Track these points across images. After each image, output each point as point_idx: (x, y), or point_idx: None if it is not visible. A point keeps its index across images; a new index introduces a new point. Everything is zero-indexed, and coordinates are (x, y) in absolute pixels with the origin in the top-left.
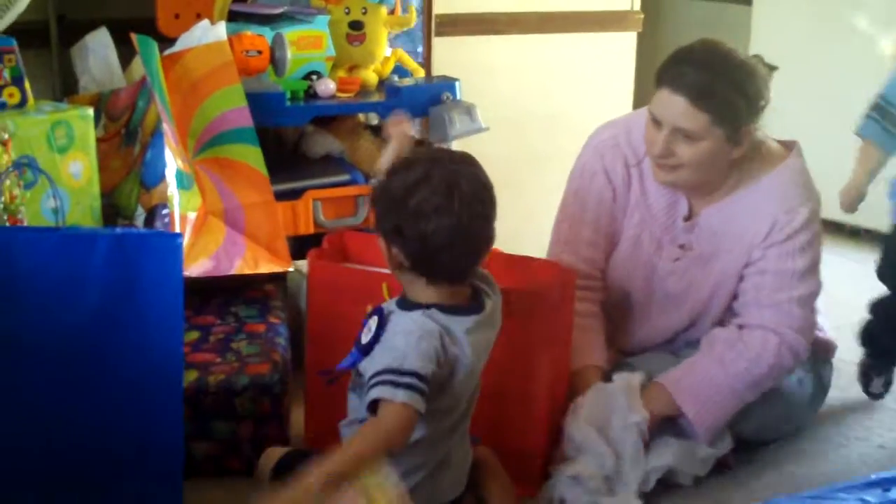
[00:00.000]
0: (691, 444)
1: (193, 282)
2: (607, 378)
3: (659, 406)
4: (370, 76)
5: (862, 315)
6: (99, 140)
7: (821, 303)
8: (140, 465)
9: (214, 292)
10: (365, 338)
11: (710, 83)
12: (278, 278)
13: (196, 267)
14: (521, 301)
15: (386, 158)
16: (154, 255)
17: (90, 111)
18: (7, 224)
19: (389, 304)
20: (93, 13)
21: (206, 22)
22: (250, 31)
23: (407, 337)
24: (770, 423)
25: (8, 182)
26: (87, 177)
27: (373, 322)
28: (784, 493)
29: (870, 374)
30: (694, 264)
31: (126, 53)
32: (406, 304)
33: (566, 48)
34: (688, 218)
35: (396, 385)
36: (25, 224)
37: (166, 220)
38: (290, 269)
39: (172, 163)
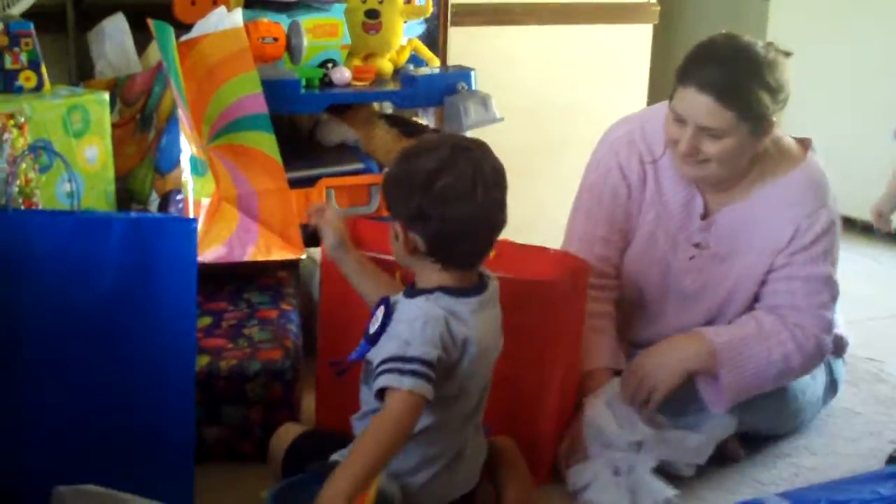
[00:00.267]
0: (679, 435)
1: (206, 268)
2: None
3: (697, 364)
4: (386, 65)
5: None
6: (114, 125)
7: None
8: (152, 446)
9: (227, 279)
10: (372, 328)
11: (735, 80)
12: (291, 265)
13: (209, 253)
14: (534, 291)
15: (328, 243)
16: (169, 240)
17: (106, 96)
18: (22, 207)
19: (396, 295)
20: None
21: (222, 8)
22: (266, 19)
23: (411, 324)
24: (781, 417)
25: (24, 165)
26: (103, 161)
27: (380, 312)
28: (793, 486)
29: None
30: (710, 263)
31: (142, 39)
32: (411, 292)
33: (582, 39)
34: (704, 216)
35: (402, 372)
36: (40, 207)
37: (180, 205)
38: (303, 257)
39: (187, 149)
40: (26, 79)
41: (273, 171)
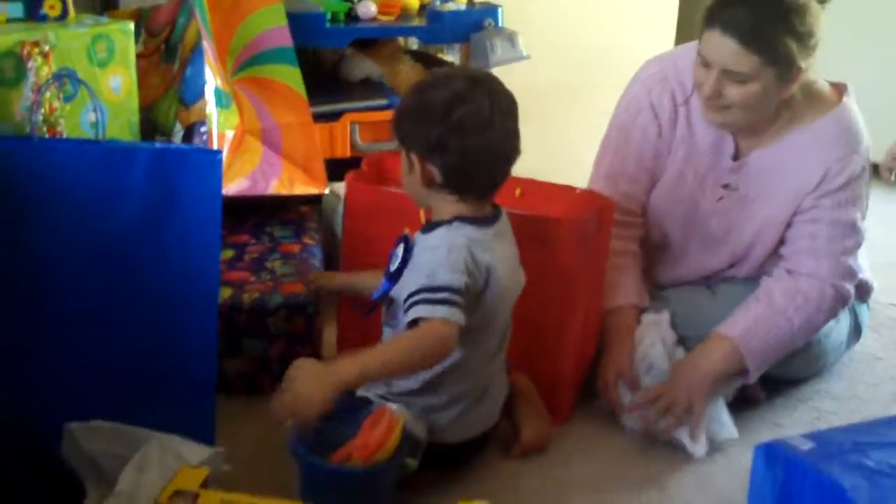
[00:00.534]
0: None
1: (229, 201)
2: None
3: (726, 367)
4: (411, 0)
5: None
6: (138, 55)
7: None
8: (174, 379)
9: (250, 212)
10: (393, 265)
11: (760, 24)
12: (313, 200)
13: (233, 186)
14: (557, 229)
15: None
16: (194, 171)
17: (131, 25)
18: (47, 136)
19: (414, 234)
20: None
21: None
22: None
23: (434, 252)
24: (803, 361)
25: (48, 94)
26: (127, 91)
27: (399, 249)
28: (814, 429)
29: None
30: (737, 205)
31: None
32: (428, 227)
33: None
34: (735, 158)
35: (433, 302)
36: (65, 137)
37: (204, 137)
38: (326, 192)
39: (212, 80)
40: (51, 7)
41: (297, 105)
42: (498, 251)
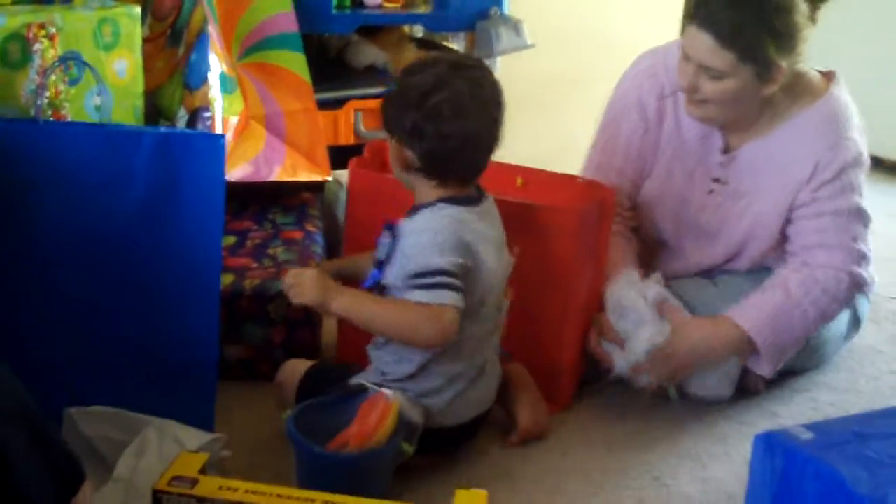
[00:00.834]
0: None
1: (232, 187)
2: None
3: (732, 352)
4: None
5: None
6: (144, 40)
7: None
8: (175, 364)
9: (252, 198)
10: (381, 253)
11: (738, 22)
12: (316, 187)
13: (236, 171)
14: (558, 218)
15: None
16: (198, 156)
17: (137, 10)
18: (52, 119)
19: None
20: None
21: None
22: None
23: (419, 236)
24: (802, 353)
25: (53, 77)
26: (132, 75)
27: (385, 237)
28: (811, 420)
29: None
30: (728, 199)
31: None
32: (413, 211)
33: None
34: (725, 151)
35: (427, 287)
36: (69, 120)
37: (208, 122)
38: (329, 179)
39: (216, 66)
40: None
41: (302, 92)
42: (484, 231)
